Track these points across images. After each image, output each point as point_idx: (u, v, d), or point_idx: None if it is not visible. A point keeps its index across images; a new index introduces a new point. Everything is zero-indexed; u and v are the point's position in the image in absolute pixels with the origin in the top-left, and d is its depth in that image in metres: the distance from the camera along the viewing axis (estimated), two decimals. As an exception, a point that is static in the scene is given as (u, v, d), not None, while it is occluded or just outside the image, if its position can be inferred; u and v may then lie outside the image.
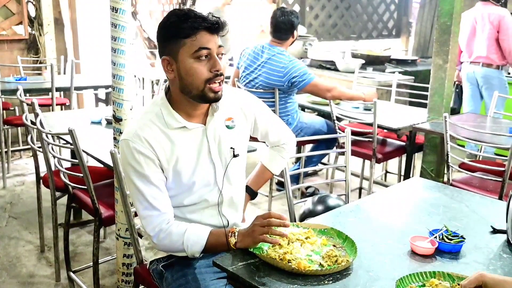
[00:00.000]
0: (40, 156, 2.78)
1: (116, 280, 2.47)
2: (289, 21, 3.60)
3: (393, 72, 5.08)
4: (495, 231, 1.66)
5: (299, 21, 3.72)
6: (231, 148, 1.67)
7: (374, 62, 5.66)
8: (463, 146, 3.48)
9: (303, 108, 4.14)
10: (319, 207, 2.39)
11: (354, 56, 5.73)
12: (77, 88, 4.43)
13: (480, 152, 3.48)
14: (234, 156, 1.67)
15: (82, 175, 2.29)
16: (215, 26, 1.50)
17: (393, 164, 4.38)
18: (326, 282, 1.33)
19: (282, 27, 3.61)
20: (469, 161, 3.05)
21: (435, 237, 1.54)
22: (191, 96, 1.56)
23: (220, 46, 1.54)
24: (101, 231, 3.09)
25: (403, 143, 3.70)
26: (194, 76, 1.52)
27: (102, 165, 2.49)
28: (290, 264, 1.37)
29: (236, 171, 1.72)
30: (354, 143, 3.50)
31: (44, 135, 2.47)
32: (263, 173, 1.99)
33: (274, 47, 3.64)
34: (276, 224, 1.47)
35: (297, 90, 3.67)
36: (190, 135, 1.61)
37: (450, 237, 1.55)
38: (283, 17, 3.61)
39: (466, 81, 4.79)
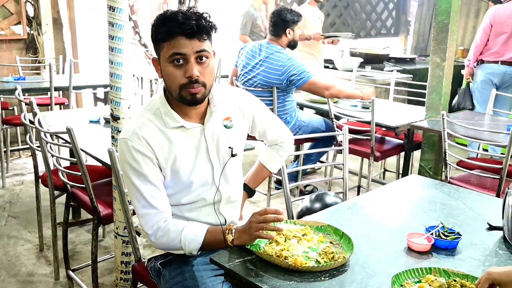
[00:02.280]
0: (39, 155, 2.79)
1: (114, 278, 2.47)
2: (279, 16, 3.59)
3: (392, 71, 5.08)
4: (491, 227, 1.67)
5: (297, 19, 3.65)
6: (229, 147, 1.68)
7: (372, 60, 5.68)
8: (465, 145, 3.45)
9: (301, 106, 4.14)
10: (317, 205, 2.40)
11: (353, 54, 5.74)
12: (75, 88, 4.43)
13: (478, 150, 3.49)
14: (232, 155, 1.68)
15: (80, 174, 2.30)
16: (190, 31, 1.48)
17: (392, 162, 4.39)
18: (323, 278, 1.34)
19: (273, 22, 3.61)
20: (467, 159, 3.06)
21: (432, 233, 1.55)
22: (173, 97, 1.58)
23: (200, 51, 1.51)
24: (100, 229, 3.11)
25: (401, 141, 3.71)
26: (170, 80, 1.54)
27: (100, 164, 2.49)
28: (286, 261, 1.37)
29: (234, 170, 1.73)
30: (352, 141, 3.51)
31: (42, 134, 2.47)
32: (261, 172, 2.00)
33: (272, 45, 3.63)
34: (272, 220, 1.48)
35: (295, 88, 3.67)
36: (188, 135, 1.62)
37: (446, 233, 1.55)
38: (276, 12, 3.63)
39: (485, 83, 4.51)
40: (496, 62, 4.43)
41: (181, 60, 1.51)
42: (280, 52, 3.59)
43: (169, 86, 1.56)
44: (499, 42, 4.38)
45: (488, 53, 4.47)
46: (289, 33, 3.61)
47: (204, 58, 1.53)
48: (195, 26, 1.49)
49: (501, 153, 2.96)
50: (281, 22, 3.59)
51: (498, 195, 2.58)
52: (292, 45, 3.70)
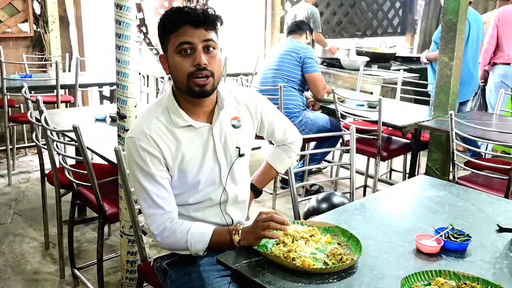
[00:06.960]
0: (45, 153, 2.79)
1: (120, 277, 2.47)
2: (296, 24, 4.11)
3: (398, 70, 5.05)
4: (501, 229, 1.65)
5: (309, 28, 4.11)
6: (237, 147, 1.66)
7: (379, 59, 5.65)
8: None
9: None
10: (324, 205, 2.38)
11: (359, 53, 5.72)
12: (81, 86, 4.44)
13: (486, 150, 3.46)
14: (240, 155, 1.67)
15: (86, 172, 2.29)
16: (197, 19, 1.48)
17: (398, 162, 4.37)
18: (331, 280, 1.32)
19: (299, 22, 4.14)
20: (475, 159, 3.03)
21: (441, 235, 1.53)
22: (182, 91, 1.56)
23: (207, 40, 1.51)
24: (105, 228, 3.10)
25: (408, 141, 3.69)
26: (178, 71, 1.53)
27: (106, 162, 2.49)
28: (294, 262, 1.36)
29: (241, 170, 1.72)
30: (358, 140, 3.49)
31: (48, 132, 2.47)
32: (268, 172, 1.98)
33: (295, 40, 3.96)
34: (278, 221, 1.46)
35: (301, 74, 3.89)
36: (196, 134, 1.60)
37: (456, 235, 1.53)
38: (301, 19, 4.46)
39: (498, 85, 4.37)
40: (508, 64, 4.35)
41: (188, 50, 1.50)
42: (298, 42, 3.92)
43: (176, 78, 1.55)
44: (508, 44, 4.30)
45: (498, 55, 4.41)
46: (309, 34, 4.05)
47: (211, 48, 1.53)
48: (201, 14, 1.49)
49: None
50: (306, 24, 4.13)
51: (506, 196, 2.56)
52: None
